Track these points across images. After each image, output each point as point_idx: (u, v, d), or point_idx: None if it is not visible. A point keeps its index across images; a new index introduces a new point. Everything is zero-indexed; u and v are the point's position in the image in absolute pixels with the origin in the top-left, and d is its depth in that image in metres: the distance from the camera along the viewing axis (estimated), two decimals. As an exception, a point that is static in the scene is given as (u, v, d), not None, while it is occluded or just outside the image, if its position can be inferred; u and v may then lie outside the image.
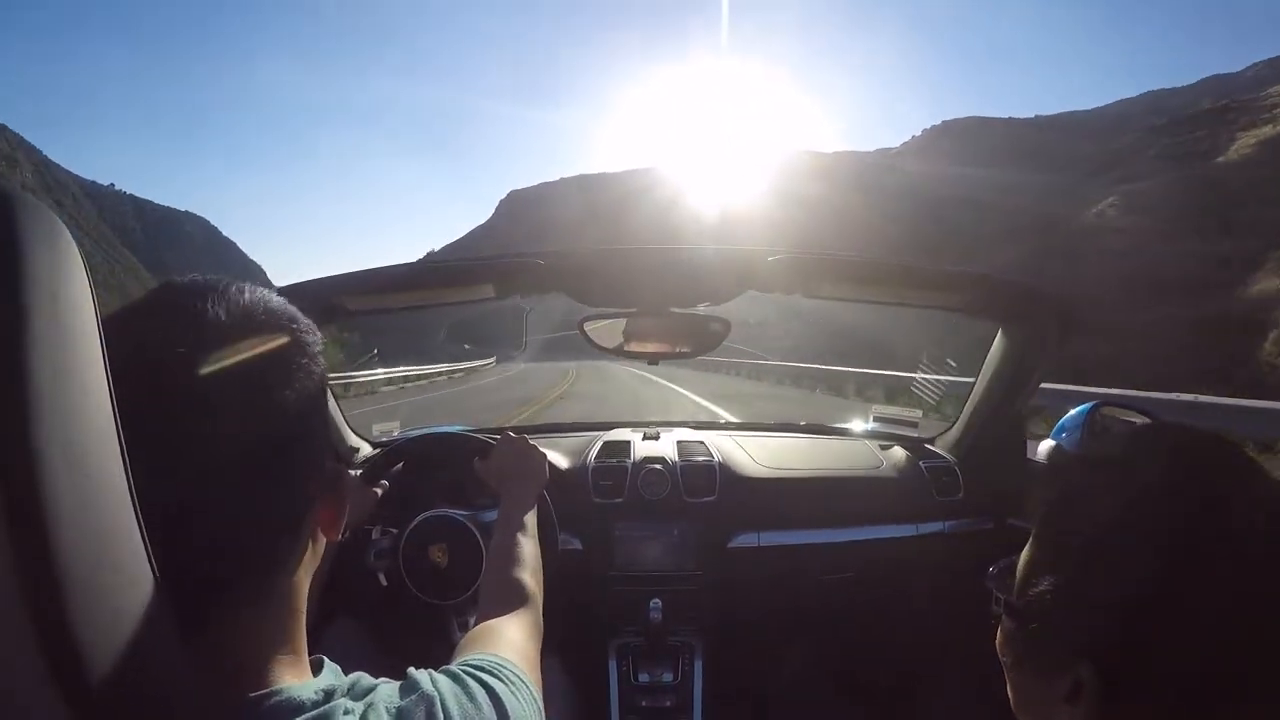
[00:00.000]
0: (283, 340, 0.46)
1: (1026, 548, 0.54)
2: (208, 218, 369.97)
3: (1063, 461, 0.54)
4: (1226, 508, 0.44)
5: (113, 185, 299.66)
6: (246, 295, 0.47)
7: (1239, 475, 0.45)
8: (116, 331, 0.40)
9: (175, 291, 0.46)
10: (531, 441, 1.14)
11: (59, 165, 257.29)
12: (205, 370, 0.42)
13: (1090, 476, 0.50)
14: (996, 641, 0.56)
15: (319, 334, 0.51)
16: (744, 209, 63.82)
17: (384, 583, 1.15)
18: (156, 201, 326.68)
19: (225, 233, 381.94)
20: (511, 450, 1.10)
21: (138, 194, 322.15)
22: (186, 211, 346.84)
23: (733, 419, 7.13)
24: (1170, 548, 0.44)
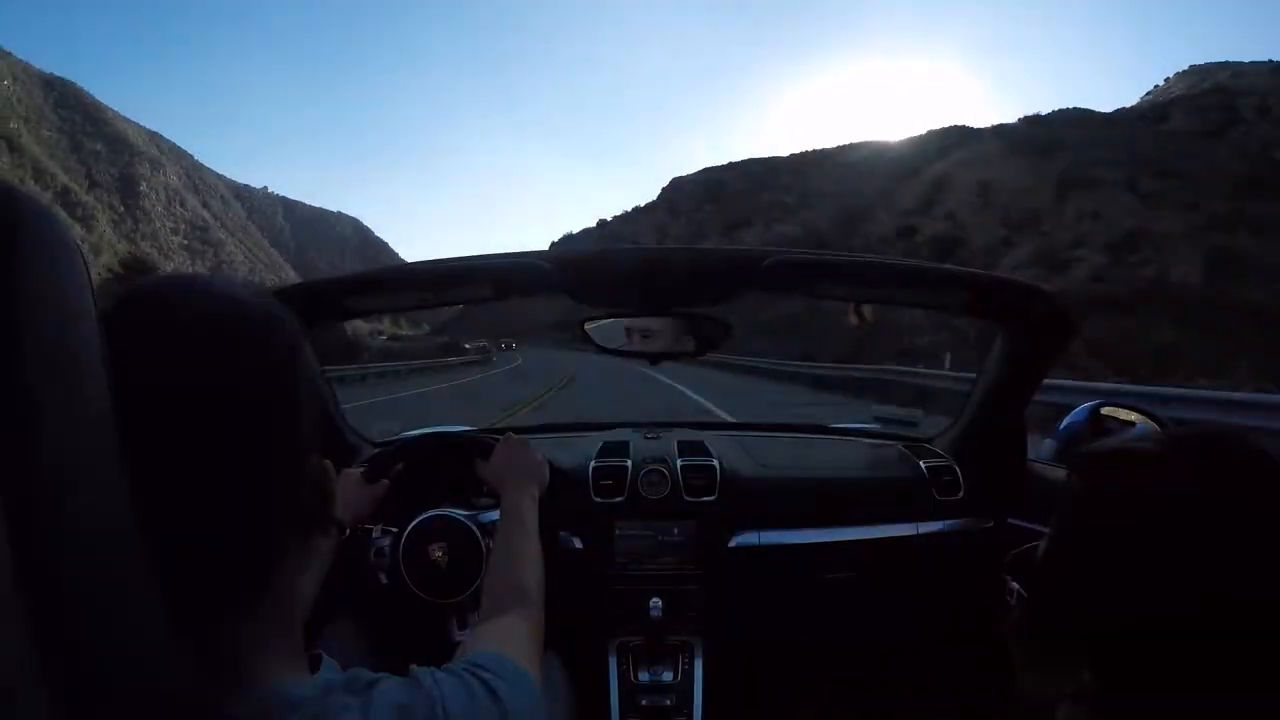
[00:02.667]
0: (255, 336, 0.46)
1: (1044, 541, 0.53)
2: (361, 219, 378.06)
3: (1084, 457, 0.53)
4: (1252, 522, 0.42)
5: (265, 188, 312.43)
6: (214, 294, 0.46)
7: (1271, 485, 0.44)
8: None
9: (146, 290, 0.46)
10: (532, 441, 1.15)
11: (209, 168, 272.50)
12: (177, 372, 0.42)
13: (1107, 477, 0.49)
14: (1008, 630, 0.55)
15: (300, 330, 0.50)
16: (949, 182, 54.99)
17: (384, 581, 1.16)
18: (308, 203, 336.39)
19: (378, 233, 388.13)
20: (512, 451, 1.11)
21: (289, 196, 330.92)
22: (339, 212, 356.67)
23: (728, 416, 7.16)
24: (1189, 556, 0.43)
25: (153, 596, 0.35)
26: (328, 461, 0.52)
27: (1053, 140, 55.45)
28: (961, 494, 1.49)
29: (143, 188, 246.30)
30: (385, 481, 1.14)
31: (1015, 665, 0.54)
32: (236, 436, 0.43)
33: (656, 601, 1.32)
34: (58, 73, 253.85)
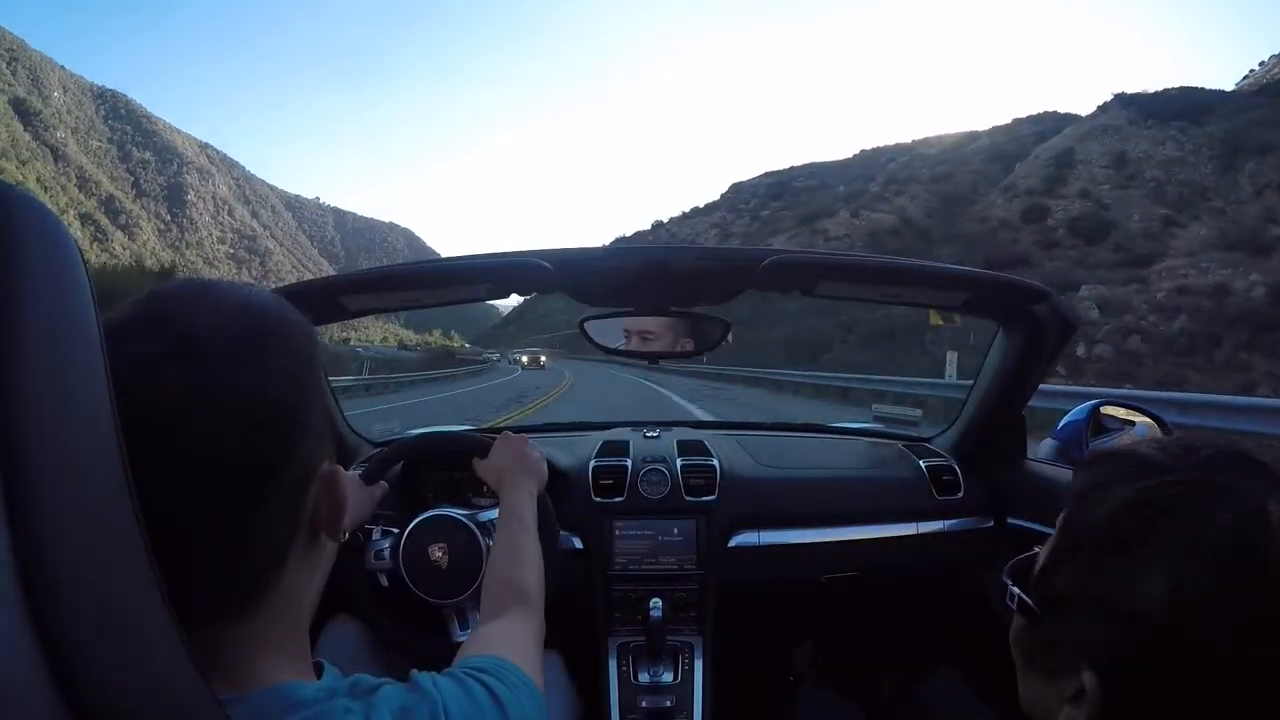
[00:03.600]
0: (273, 340, 0.46)
1: (1046, 545, 0.53)
2: (413, 229, 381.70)
3: (1091, 460, 0.53)
4: (1254, 526, 0.42)
5: (317, 199, 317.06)
6: (235, 297, 0.47)
7: (1273, 493, 0.43)
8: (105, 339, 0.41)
9: (157, 301, 0.46)
10: (531, 440, 1.15)
11: (260, 179, 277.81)
12: (193, 373, 0.42)
13: (1115, 478, 0.48)
14: (1010, 635, 0.55)
15: (313, 331, 0.51)
16: (1073, 157, 47.21)
17: (385, 583, 1.16)
18: (359, 213, 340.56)
19: (430, 244, 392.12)
20: (510, 449, 1.11)
21: (341, 206, 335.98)
22: (390, 223, 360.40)
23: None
24: (1188, 561, 0.42)
25: (155, 596, 0.35)
26: (339, 466, 0.52)
27: (1197, 104, 46.55)
28: (961, 494, 1.49)
29: (190, 196, 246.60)
30: (384, 484, 1.13)
31: (1017, 669, 0.55)
32: (252, 438, 0.43)
33: (656, 602, 1.32)
34: (110, 85, 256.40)
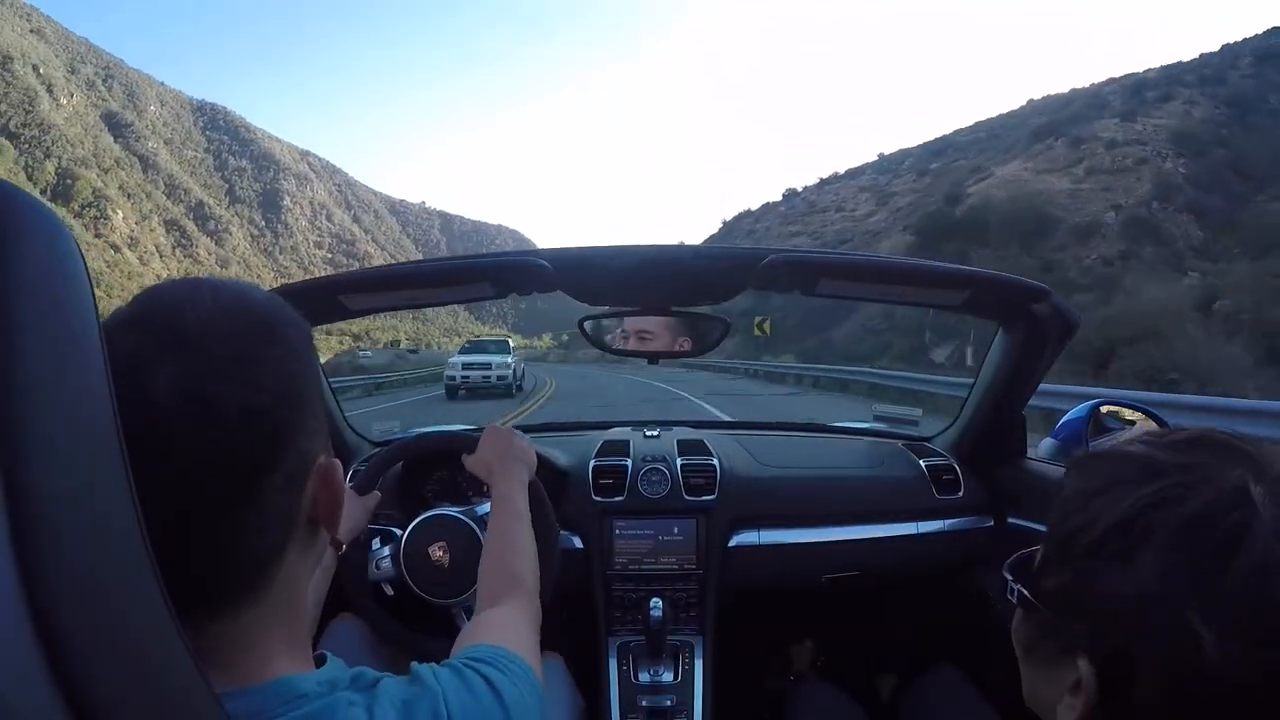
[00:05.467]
0: (266, 337, 0.46)
1: (1044, 542, 0.54)
2: (521, 231, 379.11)
3: (1080, 458, 0.54)
4: (1246, 518, 0.42)
5: (423, 203, 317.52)
6: (226, 294, 0.47)
7: (1265, 485, 0.44)
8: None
9: (151, 299, 0.46)
10: (532, 440, 1.15)
11: (363, 184, 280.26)
12: (187, 371, 0.42)
13: (1103, 473, 0.50)
14: (1011, 628, 0.57)
15: (308, 328, 0.51)
16: None
17: (390, 593, 1.17)
18: (467, 216, 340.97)
19: (537, 244, 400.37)
20: (496, 439, 1.10)
21: (448, 210, 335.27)
22: (499, 225, 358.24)
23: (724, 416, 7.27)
24: (1184, 549, 0.43)
25: (155, 595, 0.35)
26: (336, 460, 0.52)
27: None
28: (961, 493, 1.49)
29: (286, 202, 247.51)
30: (377, 493, 1.14)
31: (1019, 661, 0.56)
32: (246, 432, 0.44)
33: (656, 601, 1.32)
34: (209, 99, 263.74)
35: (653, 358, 1.39)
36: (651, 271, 1.25)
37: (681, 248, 1.25)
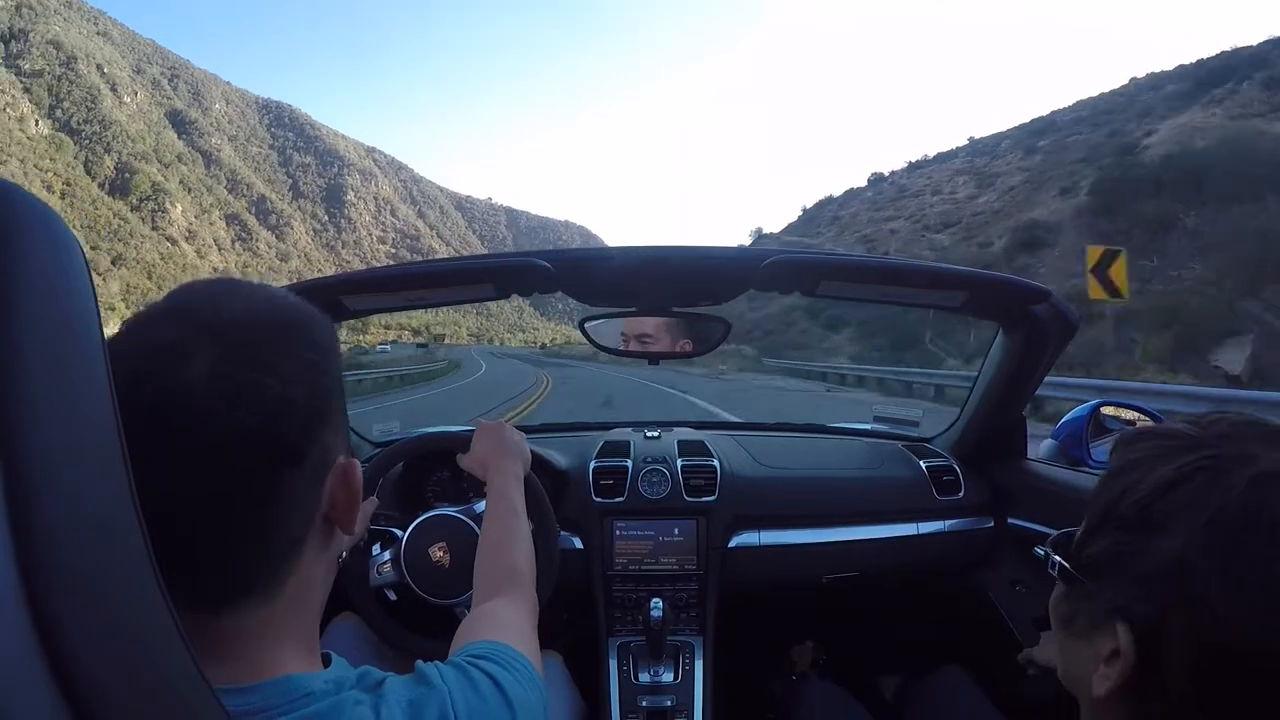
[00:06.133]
0: (296, 334, 0.48)
1: (1086, 517, 0.56)
2: (588, 226, 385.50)
3: (1127, 434, 0.56)
4: (1268, 489, 0.44)
5: (489, 198, 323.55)
6: (257, 293, 0.49)
7: None
8: (134, 332, 0.44)
9: (189, 292, 0.48)
10: (532, 441, 1.15)
11: (429, 180, 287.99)
12: (222, 359, 0.43)
13: (1148, 446, 0.52)
14: (1050, 603, 0.59)
15: (333, 327, 0.52)
16: None
17: (392, 598, 1.16)
18: (533, 212, 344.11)
19: (604, 239, 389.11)
20: (488, 435, 1.10)
21: (514, 206, 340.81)
22: (565, 221, 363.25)
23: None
24: (1214, 520, 0.45)
25: (156, 595, 0.35)
26: (355, 460, 0.53)
27: None
28: (962, 494, 1.49)
29: (349, 197, 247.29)
30: (374, 499, 1.14)
31: (1057, 639, 0.58)
32: (274, 423, 0.44)
33: (657, 602, 1.31)
34: (275, 97, 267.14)
35: (653, 359, 1.38)
36: (652, 272, 1.25)
37: (682, 248, 1.24)
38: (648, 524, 1.42)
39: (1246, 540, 0.44)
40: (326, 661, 0.53)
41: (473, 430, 1.15)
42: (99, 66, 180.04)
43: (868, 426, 1.87)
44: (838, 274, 1.26)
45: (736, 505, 1.43)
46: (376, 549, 1.17)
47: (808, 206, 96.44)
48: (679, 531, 1.41)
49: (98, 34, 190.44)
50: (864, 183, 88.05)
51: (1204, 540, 0.45)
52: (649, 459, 1.48)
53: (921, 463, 1.53)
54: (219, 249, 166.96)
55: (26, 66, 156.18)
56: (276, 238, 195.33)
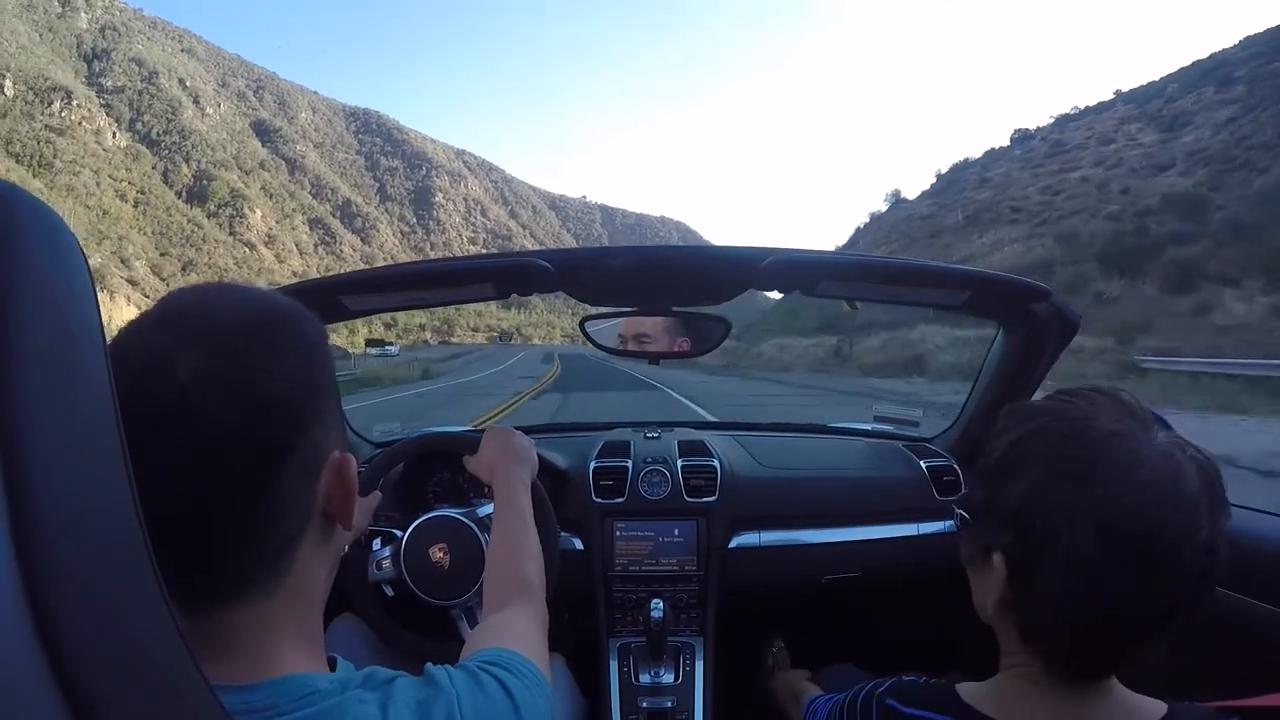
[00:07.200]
0: (284, 332, 0.48)
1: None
2: (686, 222, 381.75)
3: (1005, 408, 0.69)
4: (1081, 437, 0.58)
5: (583, 197, 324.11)
6: (249, 295, 0.49)
7: (1107, 419, 0.59)
8: (129, 336, 0.45)
9: (181, 298, 0.48)
10: (530, 438, 1.15)
11: (521, 180, 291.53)
12: (211, 360, 0.44)
13: (1008, 415, 0.66)
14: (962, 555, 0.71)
15: (323, 327, 0.53)
16: None
17: (390, 594, 1.17)
18: (629, 209, 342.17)
19: (702, 235, 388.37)
20: (498, 441, 1.10)
21: (609, 204, 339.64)
22: (662, 217, 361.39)
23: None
24: (1048, 468, 0.59)
25: (156, 595, 0.35)
26: (350, 455, 0.53)
27: None
28: (962, 494, 1.49)
29: (438, 199, 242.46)
30: (378, 494, 1.12)
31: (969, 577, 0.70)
32: (265, 419, 0.45)
33: (657, 602, 1.31)
34: (363, 104, 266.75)
35: (654, 358, 1.39)
36: (652, 272, 1.25)
37: (682, 247, 1.24)
38: (648, 524, 1.41)
39: (1071, 482, 0.57)
40: (332, 665, 0.53)
41: (472, 430, 1.14)
42: (181, 80, 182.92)
43: (868, 426, 1.85)
44: (838, 273, 1.27)
45: (737, 505, 1.43)
46: (377, 544, 1.17)
47: (942, 171, 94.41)
48: (679, 532, 1.41)
49: (182, 51, 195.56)
50: (1006, 142, 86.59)
51: (1032, 484, 0.59)
52: (649, 459, 1.48)
53: (922, 463, 1.52)
54: (300, 253, 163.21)
55: (108, 84, 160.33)
56: (362, 240, 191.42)
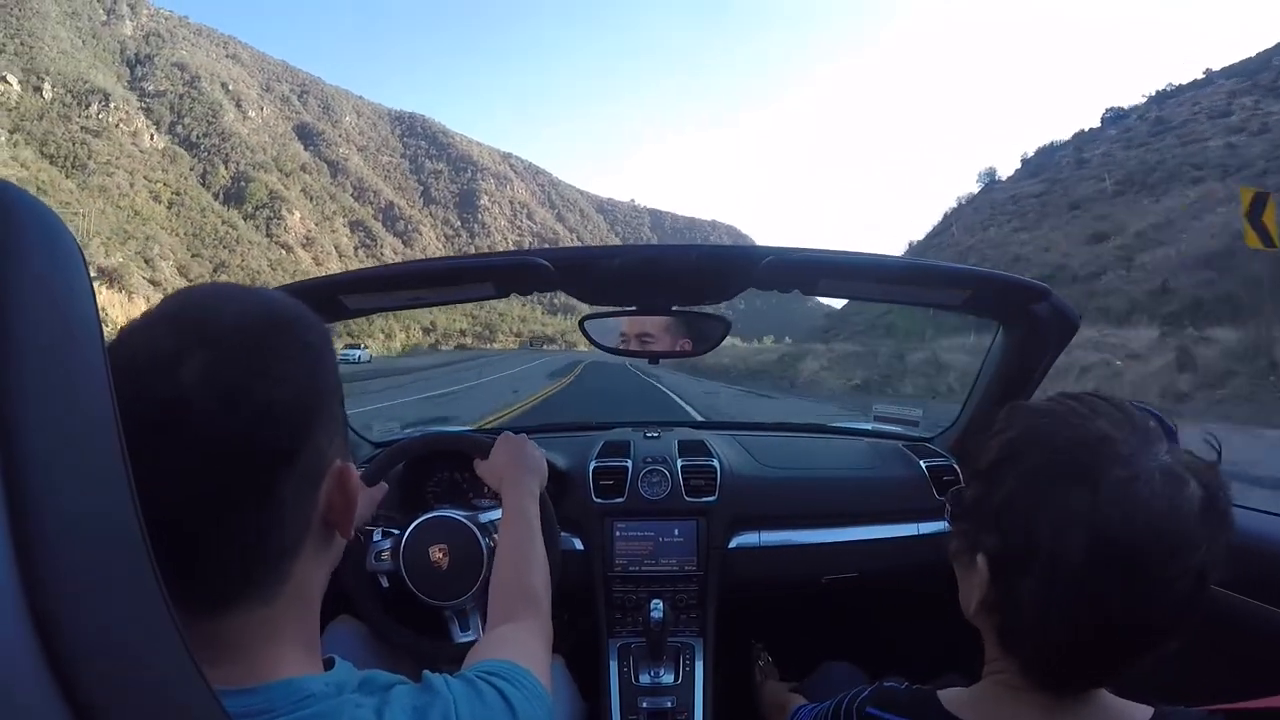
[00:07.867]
0: (287, 337, 0.48)
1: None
2: (737, 226, 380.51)
3: (1005, 407, 0.68)
4: (1081, 446, 0.57)
5: (632, 201, 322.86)
6: (250, 297, 0.49)
7: (1093, 428, 0.58)
8: (129, 338, 0.45)
9: (183, 299, 0.48)
10: (531, 440, 1.16)
11: (568, 184, 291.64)
12: (213, 364, 0.44)
13: (1006, 416, 0.65)
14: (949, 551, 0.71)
15: (326, 330, 0.53)
16: None
17: (385, 584, 1.17)
18: (678, 213, 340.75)
19: (754, 239, 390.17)
20: (510, 449, 1.11)
21: (659, 208, 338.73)
22: (712, 221, 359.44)
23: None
24: (1030, 471, 0.58)
25: (156, 596, 0.35)
26: (352, 465, 0.53)
27: None
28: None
29: (483, 201, 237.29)
30: (384, 485, 1.12)
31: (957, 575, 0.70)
32: (268, 423, 0.45)
33: (657, 602, 1.31)
34: (409, 108, 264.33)
35: (653, 357, 1.39)
36: (652, 271, 1.25)
37: (682, 247, 1.25)
38: (648, 524, 1.41)
39: (1060, 488, 0.56)
40: (330, 665, 0.53)
41: (482, 433, 1.15)
42: (224, 85, 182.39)
43: (868, 426, 1.85)
44: (838, 273, 1.26)
45: (737, 505, 1.43)
46: (378, 535, 1.17)
47: (1027, 156, 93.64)
48: (679, 532, 1.41)
49: (227, 57, 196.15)
50: (1096, 123, 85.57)
51: (1022, 486, 0.58)
52: (649, 459, 1.47)
53: (922, 462, 1.52)
54: (340, 255, 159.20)
55: (150, 88, 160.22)
56: (403, 243, 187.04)
